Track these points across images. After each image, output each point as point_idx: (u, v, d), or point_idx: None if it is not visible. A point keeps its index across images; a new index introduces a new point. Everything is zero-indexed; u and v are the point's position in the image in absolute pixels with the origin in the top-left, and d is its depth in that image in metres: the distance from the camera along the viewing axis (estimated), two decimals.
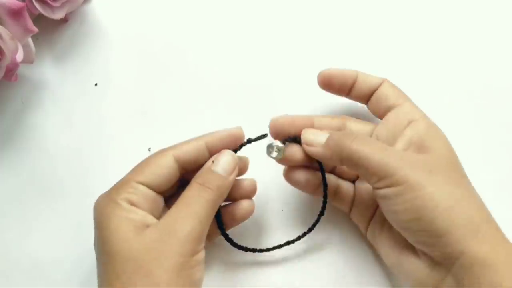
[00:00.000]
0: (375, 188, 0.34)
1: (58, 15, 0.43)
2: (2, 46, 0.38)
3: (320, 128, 0.38)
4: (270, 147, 0.37)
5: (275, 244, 0.39)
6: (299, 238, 0.39)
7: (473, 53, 0.46)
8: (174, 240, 0.32)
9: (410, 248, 0.35)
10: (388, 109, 0.38)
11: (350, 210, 0.39)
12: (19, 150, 0.44)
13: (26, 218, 0.43)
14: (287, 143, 0.37)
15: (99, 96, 0.45)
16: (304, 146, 0.36)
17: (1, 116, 0.45)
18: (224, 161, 0.36)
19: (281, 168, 0.39)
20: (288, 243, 0.39)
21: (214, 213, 0.35)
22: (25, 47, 0.41)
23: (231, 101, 0.45)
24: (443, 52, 0.46)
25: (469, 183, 0.35)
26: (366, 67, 0.45)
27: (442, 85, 0.45)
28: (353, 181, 0.40)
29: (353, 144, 0.34)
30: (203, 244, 0.34)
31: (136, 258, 0.32)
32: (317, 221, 0.39)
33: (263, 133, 0.37)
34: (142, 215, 0.34)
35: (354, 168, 0.34)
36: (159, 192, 0.36)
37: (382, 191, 0.33)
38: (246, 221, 0.39)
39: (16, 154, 0.44)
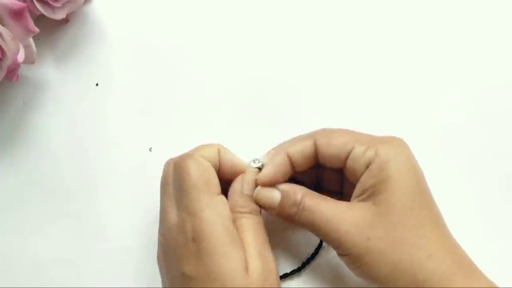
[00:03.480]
0: None
1: (59, 15, 0.43)
2: (4, 47, 0.38)
3: (298, 161, 0.37)
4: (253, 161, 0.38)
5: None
6: (300, 268, 0.39)
7: (473, 53, 0.46)
8: (274, 281, 0.35)
9: None
10: (343, 160, 0.36)
11: None
12: (21, 150, 0.44)
13: (27, 218, 0.43)
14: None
15: (101, 96, 0.45)
16: (261, 205, 0.37)
17: (2, 116, 0.45)
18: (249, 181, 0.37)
19: None
20: (293, 272, 0.40)
21: None
22: (26, 47, 0.41)
23: (232, 101, 0.45)
24: (444, 52, 0.46)
25: (416, 231, 0.33)
26: (367, 66, 0.45)
27: (442, 85, 0.45)
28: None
29: (302, 215, 0.36)
30: None
31: None
32: (319, 247, 0.39)
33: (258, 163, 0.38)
34: None
35: None
36: None
37: (340, 257, 0.36)
38: None
39: (18, 154, 0.44)
